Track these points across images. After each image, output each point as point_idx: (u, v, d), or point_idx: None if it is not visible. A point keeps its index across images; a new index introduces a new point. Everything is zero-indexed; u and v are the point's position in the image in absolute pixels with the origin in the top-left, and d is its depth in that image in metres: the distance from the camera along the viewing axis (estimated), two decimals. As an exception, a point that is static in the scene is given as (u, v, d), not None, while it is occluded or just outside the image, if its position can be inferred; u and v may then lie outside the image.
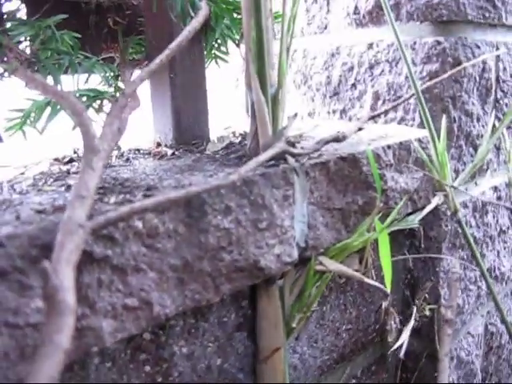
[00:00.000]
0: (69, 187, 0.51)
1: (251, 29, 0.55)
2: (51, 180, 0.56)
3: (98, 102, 0.62)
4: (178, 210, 0.46)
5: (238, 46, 0.80)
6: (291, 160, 0.56)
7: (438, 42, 0.85)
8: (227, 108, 1.20)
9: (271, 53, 0.57)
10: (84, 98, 0.61)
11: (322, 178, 0.61)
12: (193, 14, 0.63)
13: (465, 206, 0.95)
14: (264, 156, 0.50)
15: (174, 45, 0.52)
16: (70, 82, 0.72)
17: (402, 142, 0.74)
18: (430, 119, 0.71)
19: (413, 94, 0.72)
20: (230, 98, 1.20)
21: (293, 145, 0.56)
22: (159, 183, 0.51)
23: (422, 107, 0.71)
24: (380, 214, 0.68)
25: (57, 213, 0.42)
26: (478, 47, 0.93)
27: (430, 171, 0.75)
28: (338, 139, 0.60)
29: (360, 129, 0.63)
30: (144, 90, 0.73)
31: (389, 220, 0.68)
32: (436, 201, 0.85)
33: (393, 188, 0.73)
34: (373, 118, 0.71)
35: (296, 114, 0.59)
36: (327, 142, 0.59)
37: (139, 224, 0.43)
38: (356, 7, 0.94)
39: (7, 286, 0.37)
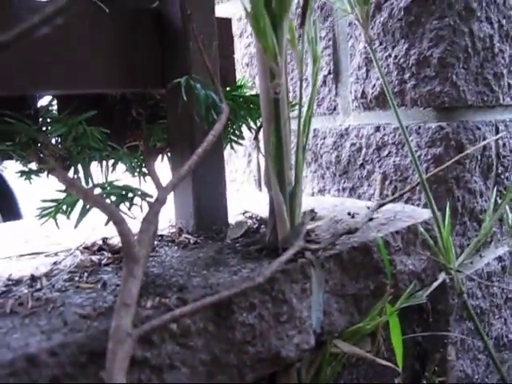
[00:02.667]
0: (104, 284, 0.56)
1: (271, 134, 0.60)
2: (86, 274, 0.60)
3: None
4: (207, 310, 0.51)
5: (251, 131, 0.85)
6: (308, 254, 0.60)
7: (441, 128, 0.90)
8: (241, 184, 1.25)
9: (289, 155, 0.62)
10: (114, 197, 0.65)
11: (336, 267, 0.66)
12: (214, 115, 0.68)
13: (470, 279, 0.99)
14: (285, 256, 0.54)
15: (200, 151, 0.58)
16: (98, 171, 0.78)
17: (409, 226, 0.79)
18: (434, 206, 0.76)
19: (418, 183, 0.76)
20: (242, 173, 1.25)
21: (309, 240, 0.61)
22: (189, 282, 0.55)
23: (427, 195, 0.76)
24: (391, 297, 0.72)
25: (100, 318, 0.46)
26: (479, 128, 0.98)
27: (435, 254, 0.79)
28: (350, 231, 0.64)
29: (370, 219, 0.68)
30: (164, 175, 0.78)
31: (398, 304, 0.72)
32: (442, 277, 0.89)
33: (402, 271, 0.77)
34: (381, 206, 0.75)
35: (313, 210, 0.64)
36: (341, 235, 0.63)
37: (174, 326, 0.48)
38: (363, 92, 1.00)
39: (59, 392, 0.41)
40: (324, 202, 0.99)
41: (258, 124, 0.81)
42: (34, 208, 0.75)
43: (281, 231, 0.62)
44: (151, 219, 0.52)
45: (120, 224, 0.50)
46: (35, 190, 0.75)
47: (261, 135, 0.66)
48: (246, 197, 1.14)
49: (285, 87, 0.58)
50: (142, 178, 0.82)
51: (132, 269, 0.46)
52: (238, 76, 1.11)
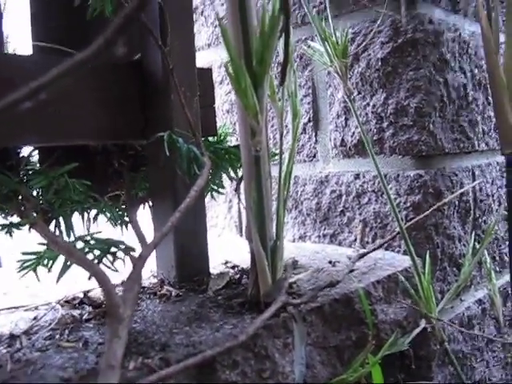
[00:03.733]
0: (86, 343, 0.55)
1: (252, 189, 0.61)
2: (67, 331, 0.59)
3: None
4: (190, 369, 0.50)
5: (231, 180, 0.86)
6: (290, 308, 0.61)
7: (420, 175, 0.92)
8: (222, 230, 1.25)
9: (270, 210, 0.62)
10: (97, 251, 0.65)
11: (318, 320, 0.66)
12: (196, 168, 0.69)
13: (452, 323, 1.00)
14: (268, 313, 0.54)
15: (182, 207, 0.58)
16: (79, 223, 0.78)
17: (390, 275, 0.80)
18: (414, 256, 0.77)
19: (398, 233, 0.78)
20: (223, 219, 1.26)
21: (291, 292, 0.61)
22: (171, 339, 0.55)
23: (407, 244, 0.77)
24: (373, 347, 0.72)
25: (82, 382, 0.46)
26: (456, 175, 1.00)
27: (416, 303, 0.79)
28: (332, 284, 0.65)
29: (352, 270, 0.68)
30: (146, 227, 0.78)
31: (380, 354, 0.72)
32: (423, 324, 0.89)
33: (383, 320, 0.77)
34: (362, 257, 0.76)
35: (295, 262, 0.64)
36: (323, 289, 0.64)
37: (156, 386, 0.47)
38: (343, 140, 1.02)
39: None
40: (305, 249, 1.00)
41: (239, 174, 0.81)
42: (12, 256, 0.75)
43: (263, 285, 0.63)
44: (135, 278, 0.52)
45: (105, 284, 0.50)
46: (14, 238, 0.74)
47: (241, 185, 0.67)
48: (227, 243, 1.15)
49: (265, 143, 0.59)
50: (123, 227, 0.82)
51: (117, 329, 0.46)
52: (219, 122, 1.12)
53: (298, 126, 0.66)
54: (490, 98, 1.13)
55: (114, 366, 0.43)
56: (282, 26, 0.57)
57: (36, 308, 0.72)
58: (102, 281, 0.50)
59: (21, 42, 0.83)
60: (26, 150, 0.78)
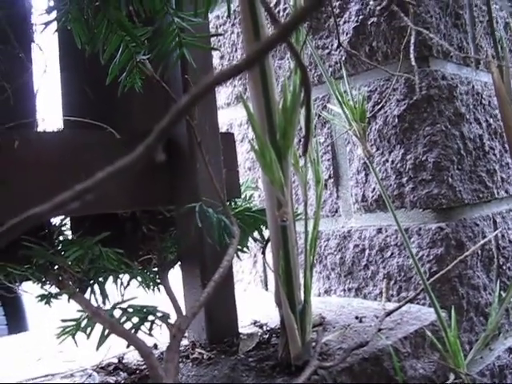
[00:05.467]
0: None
1: (280, 258, 0.63)
2: (106, 401, 0.62)
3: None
4: None
5: (255, 241, 0.88)
6: (321, 371, 0.62)
7: (441, 228, 0.94)
8: (248, 284, 1.27)
9: (298, 276, 0.65)
10: (135, 319, 0.67)
11: (348, 380, 0.67)
12: (226, 237, 0.72)
13: (482, 374, 1.00)
14: (303, 378, 0.56)
15: (217, 277, 0.60)
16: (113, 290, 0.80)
17: (417, 330, 0.81)
18: (440, 311, 0.78)
19: (422, 289, 0.79)
20: (248, 273, 1.28)
21: (321, 353, 0.63)
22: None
23: (431, 300, 0.78)
24: (403, 404, 0.73)
25: None
26: (477, 224, 1.02)
27: (444, 358, 0.80)
28: (361, 345, 0.66)
29: (380, 329, 0.70)
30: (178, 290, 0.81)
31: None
32: (452, 379, 0.90)
33: (413, 376, 0.78)
34: (388, 315, 0.78)
35: (323, 318, 0.66)
36: (353, 350, 0.65)
37: None
38: (363, 195, 1.04)
39: None
40: (331, 304, 1.01)
41: (264, 235, 0.84)
42: (39, 319, 0.77)
43: (293, 348, 0.64)
44: (175, 348, 0.55)
45: (148, 357, 0.52)
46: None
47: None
48: (253, 298, 1.16)
49: (291, 214, 0.62)
50: (155, 290, 0.84)
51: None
52: (241, 179, 1.15)
53: (322, 191, 0.68)
54: (506, 146, 1.15)
55: None
56: (302, 99, 0.61)
57: (72, 375, 0.74)
58: (145, 354, 0.53)
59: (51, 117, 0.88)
60: (57, 219, 0.82)
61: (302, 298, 0.66)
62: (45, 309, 0.78)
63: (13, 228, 0.27)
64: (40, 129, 0.82)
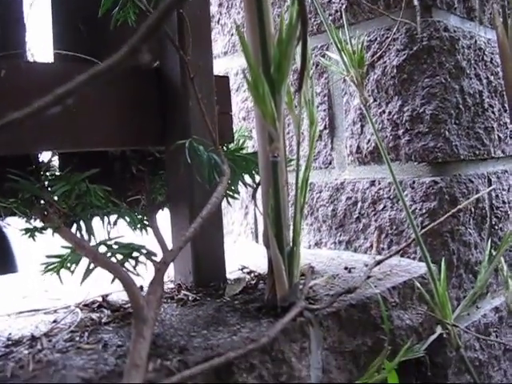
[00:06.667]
0: (105, 345, 0.56)
1: (269, 197, 0.61)
2: (86, 334, 0.61)
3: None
4: (208, 372, 0.51)
5: (246, 187, 0.87)
6: (307, 314, 0.61)
7: (435, 182, 0.92)
8: (238, 236, 1.26)
9: (287, 217, 0.63)
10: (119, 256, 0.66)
11: (335, 325, 0.66)
12: (216, 175, 0.70)
13: (468, 330, 0.99)
14: (288, 317, 0.55)
15: (204, 213, 0.59)
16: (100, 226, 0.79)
17: (405, 281, 0.80)
18: (430, 263, 0.77)
19: (413, 240, 0.78)
20: (239, 225, 1.27)
21: (308, 297, 0.62)
22: (189, 343, 0.56)
23: (422, 251, 0.77)
24: (389, 352, 0.73)
25: (103, 382, 0.47)
26: (472, 181, 1.00)
27: (432, 309, 0.80)
28: (349, 291, 0.65)
29: (369, 277, 0.69)
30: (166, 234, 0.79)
31: (396, 360, 0.73)
32: (439, 330, 0.89)
33: (399, 326, 0.78)
34: (378, 263, 0.77)
35: (312, 268, 0.65)
36: (340, 295, 0.64)
37: (177, 388, 0.48)
38: (358, 147, 1.02)
39: None
40: (321, 256, 1.00)
41: (256, 181, 0.82)
42: (29, 260, 0.76)
43: (279, 290, 0.63)
44: (159, 281, 0.53)
45: (130, 287, 0.51)
46: (28, 241, 0.75)
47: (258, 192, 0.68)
48: (242, 249, 1.15)
49: (283, 150, 0.60)
50: (143, 231, 0.83)
51: (141, 330, 0.47)
52: (235, 129, 1.13)
53: (315, 133, 0.67)
54: (505, 105, 1.13)
55: (139, 366, 0.44)
56: (299, 34, 0.58)
57: (55, 311, 0.73)
58: (127, 284, 0.52)
59: (41, 50, 0.85)
60: (45, 156, 0.80)
61: (291, 240, 0.65)
62: (33, 250, 0.77)
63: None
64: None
